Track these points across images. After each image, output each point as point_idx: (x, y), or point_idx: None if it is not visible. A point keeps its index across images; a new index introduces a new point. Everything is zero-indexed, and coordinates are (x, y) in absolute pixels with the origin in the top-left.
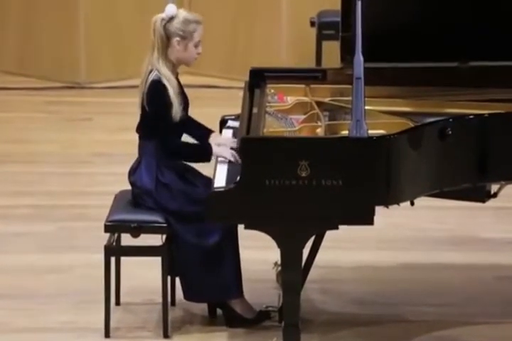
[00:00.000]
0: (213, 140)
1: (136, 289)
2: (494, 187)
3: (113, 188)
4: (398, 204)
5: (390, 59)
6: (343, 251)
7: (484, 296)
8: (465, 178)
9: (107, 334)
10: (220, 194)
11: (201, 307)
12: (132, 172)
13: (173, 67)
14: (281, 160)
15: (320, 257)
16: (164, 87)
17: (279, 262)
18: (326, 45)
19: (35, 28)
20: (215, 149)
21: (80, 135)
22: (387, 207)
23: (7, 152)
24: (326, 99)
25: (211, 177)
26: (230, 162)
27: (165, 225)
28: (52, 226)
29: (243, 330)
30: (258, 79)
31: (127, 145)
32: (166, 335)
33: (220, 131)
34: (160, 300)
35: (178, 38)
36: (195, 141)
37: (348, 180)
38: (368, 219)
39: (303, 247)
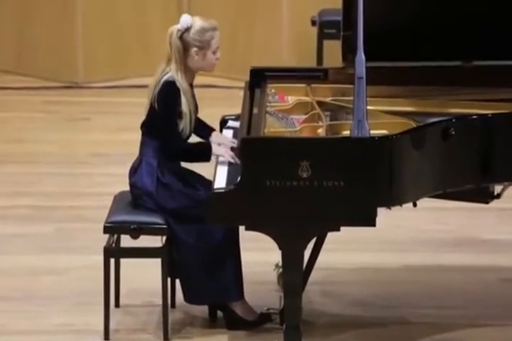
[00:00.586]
0: (214, 139)
1: (136, 291)
2: (497, 188)
3: (112, 189)
4: (400, 205)
5: (391, 58)
6: (344, 252)
7: (487, 298)
8: (468, 179)
9: (107, 337)
10: (220, 195)
11: (201, 310)
12: (133, 172)
13: (192, 76)
14: (282, 160)
15: (321, 259)
16: (178, 90)
17: (280, 264)
18: (327, 44)
19: (33, 27)
20: (215, 148)
21: (78, 135)
22: (390, 209)
23: (5, 152)
24: (328, 99)
25: (211, 179)
26: (230, 163)
27: (165, 226)
28: (50, 228)
29: (244, 333)
30: (258, 78)
31: (126, 145)
32: (166, 338)
33: (221, 131)
34: (160, 302)
35: (196, 49)
36: (199, 139)
37: (350, 181)
38: (369, 221)
39: (304, 249)
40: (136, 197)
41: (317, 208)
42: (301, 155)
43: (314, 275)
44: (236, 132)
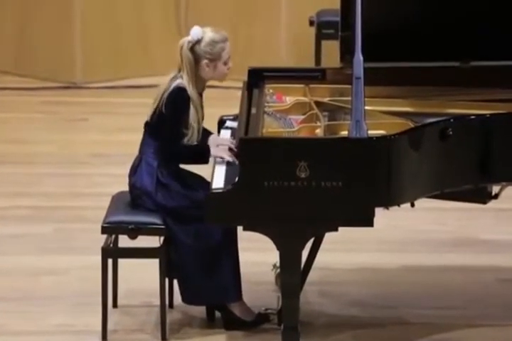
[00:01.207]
0: (213, 141)
1: (134, 291)
2: (495, 189)
3: (110, 189)
4: (398, 205)
5: (389, 58)
6: (342, 253)
7: (485, 298)
8: (466, 179)
9: (105, 337)
10: (218, 195)
11: (199, 310)
12: (133, 172)
13: (203, 86)
14: (280, 161)
15: (319, 259)
16: (188, 97)
17: (278, 264)
18: (325, 44)
19: (32, 27)
20: (213, 150)
21: (76, 135)
22: (388, 209)
23: (3, 153)
24: (326, 99)
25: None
26: (228, 163)
27: (163, 227)
28: (49, 228)
29: (242, 333)
30: (257, 78)
31: (125, 145)
32: (164, 338)
33: (219, 132)
34: (158, 302)
35: (206, 61)
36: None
37: (348, 181)
38: (367, 221)
39: (302, 249)
40: (135, 197)
41: (315, 208)
42: (299, 155)
43: (312, 276)
44: (234, 132)
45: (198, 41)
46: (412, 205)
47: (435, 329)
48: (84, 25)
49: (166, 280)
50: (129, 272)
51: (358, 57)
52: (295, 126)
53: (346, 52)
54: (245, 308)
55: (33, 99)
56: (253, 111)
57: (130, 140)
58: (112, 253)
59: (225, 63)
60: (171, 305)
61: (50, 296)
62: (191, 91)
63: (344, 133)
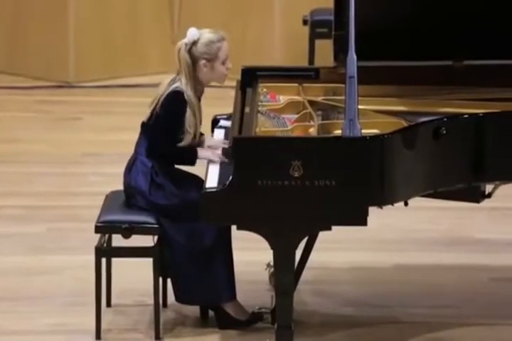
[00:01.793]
0: (205, 142)
1: (128, 290)
2: (489, 188)
3: (103, 189)
4: (392, 204)
5: (383, 57)
6: (336, 252)
7: (479, 297)
8: (459, 178)
9: (98, 336)
10: (211, 195)
11: (193, 309)
12: (128, 171)
13: (202, 90)
14: (273, 160)
15: (313, 258)
16: (185, 101)
17: (272, 263)
18: (318, 43)
19: (25, 26)
20: (200, 153)
21: (69, 135)
22: (381, 208)
23: None
24: (319, 98)
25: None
26: (222, 162)
27: (156, 226)
28: (41, 227)
29: (235, 332)
30: (250, 78)
31: (118, 144)
32: (157, 337)
33: (212, 131)
34: (151, 301)
35: (204, 61)
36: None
37: (341, 180)
38: (361, 220)
39: (296, 248)
40: (129, 196)
41: (309, 207)
42: (293, 154)
43: (306, 275)
44: (228, 132)
45: (195, 42)
46: (406, 204)
47: (429, 328)
48: (77, 25)
49: (160, 279)
50: (123, 271)
51: (352, 56)
52: (289, 126)
53: (340, 51)
54: (239, 307)
55: (26, 99)
56: (247, 110)
57: (123, 139)
58: (105, 252)
59: (223, 63)
60: (164, 305)
61: (42, 296)
62: (189, 94)
63: (338, 132)
